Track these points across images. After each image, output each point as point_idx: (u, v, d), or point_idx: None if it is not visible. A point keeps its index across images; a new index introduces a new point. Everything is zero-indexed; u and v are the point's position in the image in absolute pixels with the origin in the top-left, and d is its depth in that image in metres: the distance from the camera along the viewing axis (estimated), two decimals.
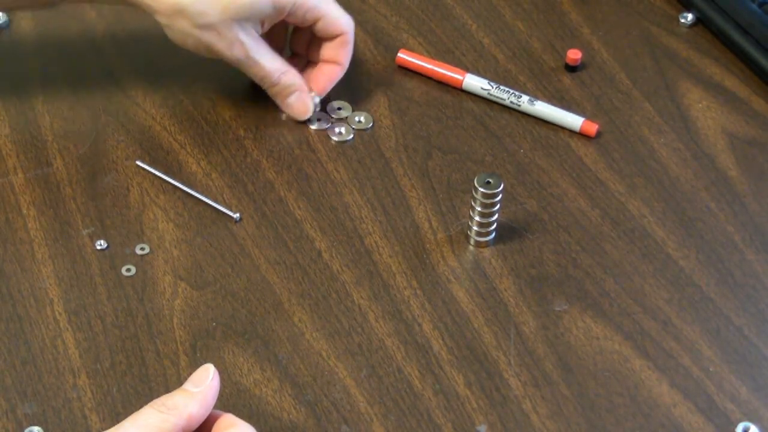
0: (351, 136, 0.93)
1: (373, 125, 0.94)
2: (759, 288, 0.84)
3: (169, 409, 0.67)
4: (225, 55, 0.89)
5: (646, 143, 0.94)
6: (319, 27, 0.92)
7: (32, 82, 0.97)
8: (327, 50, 0.94)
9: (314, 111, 0.93)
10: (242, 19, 0.87)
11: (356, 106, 0.95)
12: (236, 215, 0.87)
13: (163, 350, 0.79)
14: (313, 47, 0.95)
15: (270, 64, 0.91)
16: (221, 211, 0.87)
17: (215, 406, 0.69)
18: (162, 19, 0.88)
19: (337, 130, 0.93)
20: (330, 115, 0.95)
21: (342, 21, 0.92)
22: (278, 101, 0.93)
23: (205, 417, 0.69)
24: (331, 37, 0.93)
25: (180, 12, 0.86)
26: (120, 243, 0.85)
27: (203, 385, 0.69)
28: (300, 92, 0.92)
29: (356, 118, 0.94)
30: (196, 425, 0.68)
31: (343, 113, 0.95)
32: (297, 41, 0.96)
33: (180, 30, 0.88)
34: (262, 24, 0.90)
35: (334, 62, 0.94)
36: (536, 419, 0.76)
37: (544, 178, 0.91)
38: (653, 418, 0.77)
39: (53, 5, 0.93)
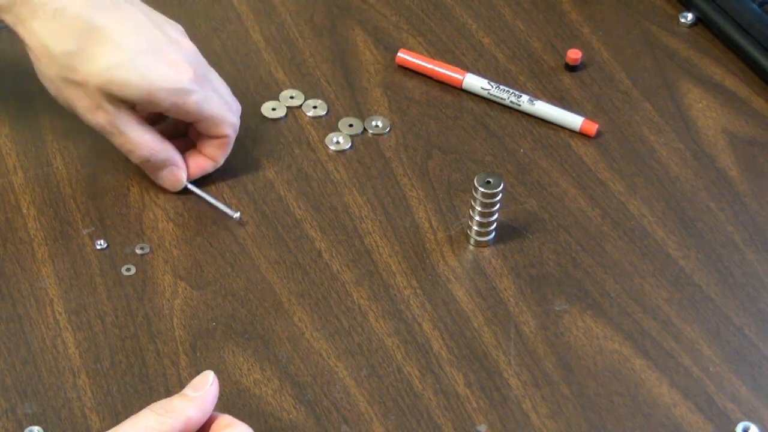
0: (348, 145, 0.92)
1: (390, 129, 0.94)
2: (759, 288, 0.84)
3: (168, 412, 0.67)
4: (86, 117, 0.83)
5: (646, 143, 0.94)
6: (201, 127, 0.85)
7: (32, 81, 0.96)
8: (206, 146, 0.87)
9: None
10: (111, 93, 0.81)
11: (356, 105, 0.95)
12: (236, 215, 0.87)
13: (163, 350, 0.79)
14: (194, 131, 0.88)
15: (138, 137, 0.84)
16: (221, 211, 0.87)
17: (215, 409, 0.70)
18: (31, 55, 0.82)
19: (335, 139, 0.93)
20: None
21: (224, 125, 0.85)
22: (148, 172, 0.87)
23: (204, 420, 0.69)
24: (211, 137, 0.87)
25: (49, 57, 0.81)
26: (120, 242, 0.85)
27: (202, 390, 0.69)
28: (173, 167, 0.86)
29: (373, 122, 0.94)
30: (194, 428, 0.68)
31: (354, 130, 0.94)
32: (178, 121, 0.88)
33: (45, 74, 0.82)
34: (134, 107, 0.84)
35: (210, 158, 0.88)
36: (536, 419, 0.76)
37: (544, 177, 0.91)
38: (653, 417, 0.77)
39: None
